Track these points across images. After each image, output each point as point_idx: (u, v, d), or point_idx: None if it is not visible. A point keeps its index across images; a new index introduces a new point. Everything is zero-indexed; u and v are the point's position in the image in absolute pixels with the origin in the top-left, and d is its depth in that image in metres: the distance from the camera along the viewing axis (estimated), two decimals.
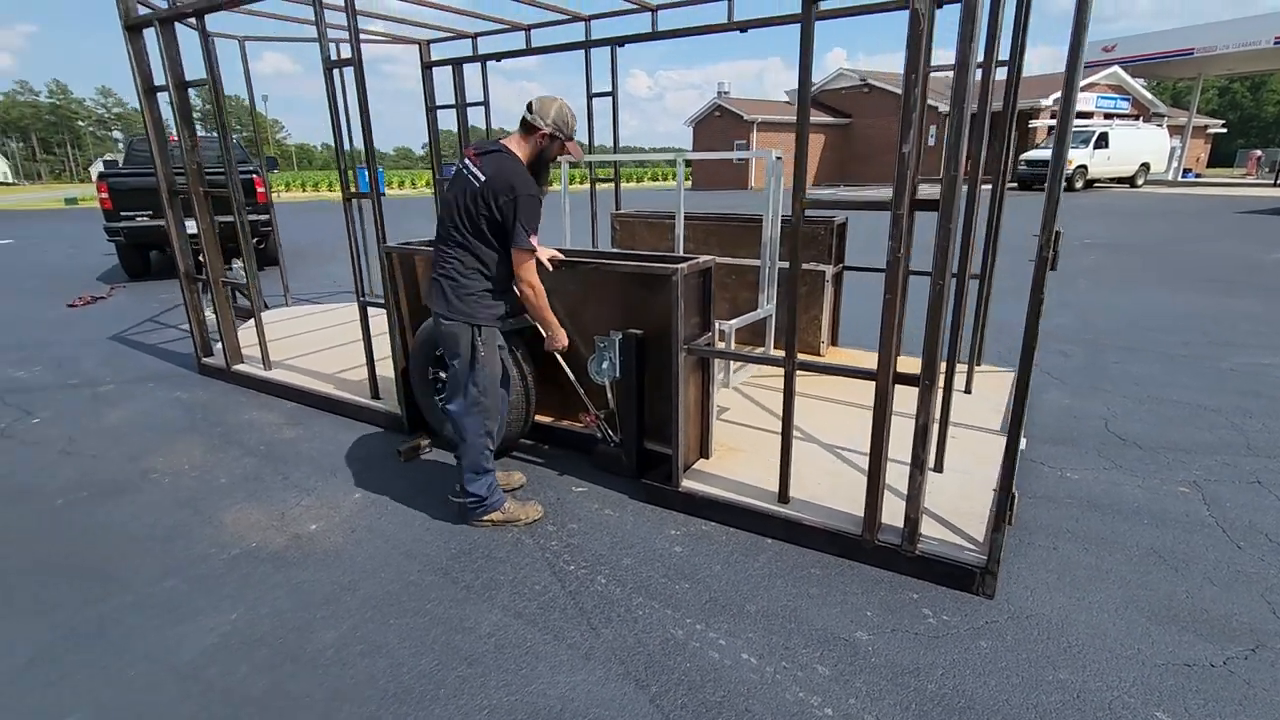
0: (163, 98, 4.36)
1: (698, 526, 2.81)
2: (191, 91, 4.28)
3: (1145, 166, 23.63)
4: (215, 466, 3.47)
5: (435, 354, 3.45)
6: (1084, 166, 21.44)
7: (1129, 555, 2.52)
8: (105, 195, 8.49)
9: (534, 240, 2.48)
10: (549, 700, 1.92)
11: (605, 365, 3.09)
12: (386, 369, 4.14)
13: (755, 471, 3.01)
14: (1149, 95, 29.56)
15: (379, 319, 3.96)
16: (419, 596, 2.40)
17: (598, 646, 2.13)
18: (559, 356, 3.19)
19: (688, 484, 2.91)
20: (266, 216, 7.82)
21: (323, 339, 5.53)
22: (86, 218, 22.57)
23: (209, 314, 4.99)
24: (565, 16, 5.28)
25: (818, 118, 32.37)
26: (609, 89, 5.01)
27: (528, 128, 2.53)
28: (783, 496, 2.72)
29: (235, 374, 4.73)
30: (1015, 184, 21.63)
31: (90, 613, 2.34)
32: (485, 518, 2.81)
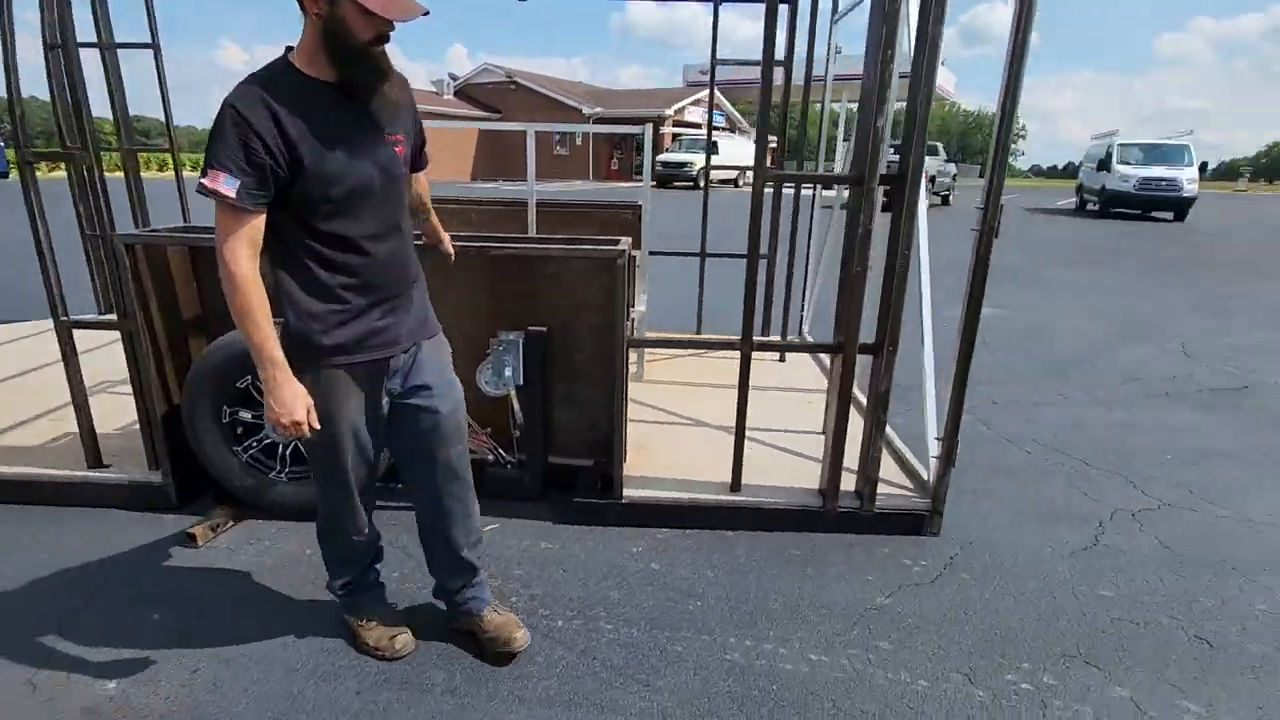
0: None
1: (653, 536, 2.54)
2: None
3: (743, 171, 29.16)
4: None
5: (237, 385, 2.43)
6: (704, 169, 25.46)
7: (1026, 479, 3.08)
8: None
9: (213, 182, 1.35)
10: None
11: (508, 372, 2.56)
12: (111, 421, 2.80)
13: (675, 468, 2.84)
14: (737, 114, 36.42)
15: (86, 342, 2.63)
16: None
17: (671, 704, 1.76)
18: None
19: (629, 493, 2.61)
20: None
21: None
22: None
23: None
24: None
25: (467, 110, 32.04)
26: None
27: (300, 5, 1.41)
28: (735, 485, 2.63)
29: None
30: (655, 182, 24.67)
31: None
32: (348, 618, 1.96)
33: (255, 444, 2.54)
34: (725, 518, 2.59)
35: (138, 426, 2.62)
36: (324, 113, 1.44)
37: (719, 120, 34.94)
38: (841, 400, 2.45)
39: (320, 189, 1.45)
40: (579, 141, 30.25)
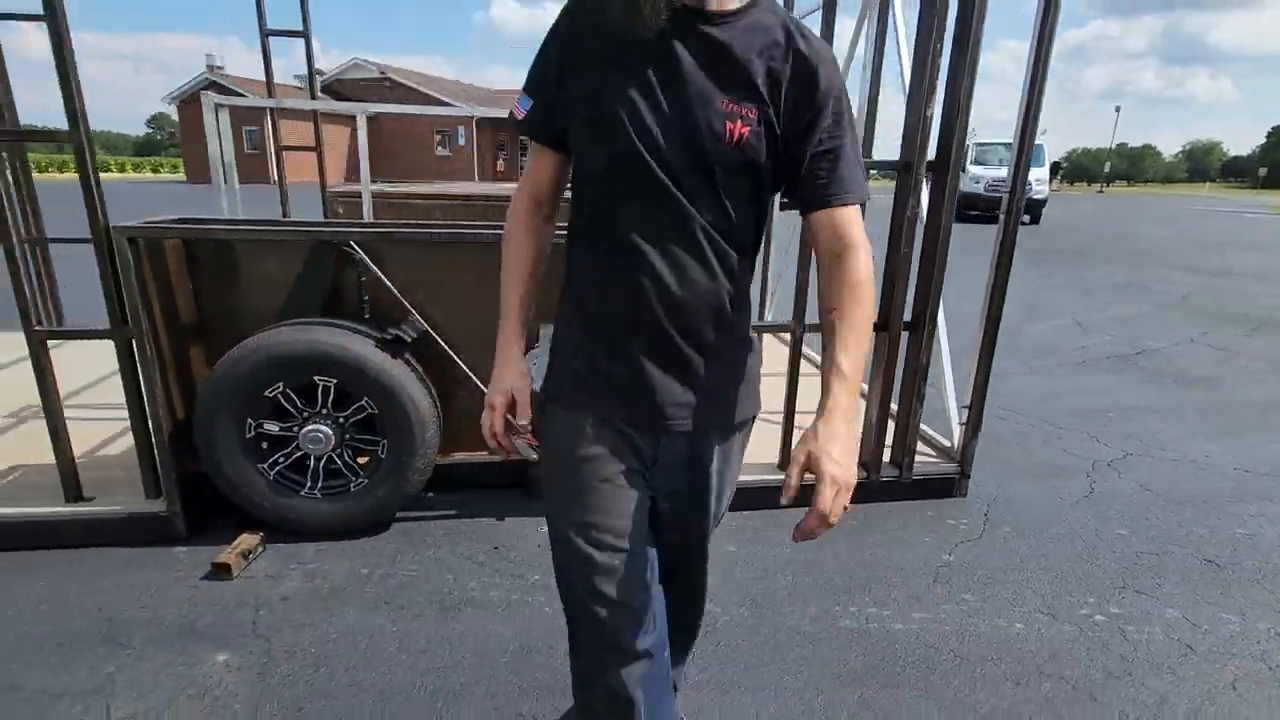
0: None
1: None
2: None
3: None
4: None
5: (265, 394, 2.18)
6: None
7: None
8: None
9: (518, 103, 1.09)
10: None
11: None
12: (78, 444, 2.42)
13: None
14: None
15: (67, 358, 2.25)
16: None
17: (814, 673, 1.80)
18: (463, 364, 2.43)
19: None
20: None
21: None
22: None
23: None
24: None
25: (334, 105, 30.11)
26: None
27: None
28: (782, 464, 2.70)
29: None
30: None
31: None
32: None
33: (283, 459, 2.29)
34: (776, 497, 2.64)
35: (102, 452, 2.28)
36: (626, 27, 0.94)
37: None
38: (886, 376, 2.60)
39: (574, 130, 1.04)
40: (461, 143, 29.33)
